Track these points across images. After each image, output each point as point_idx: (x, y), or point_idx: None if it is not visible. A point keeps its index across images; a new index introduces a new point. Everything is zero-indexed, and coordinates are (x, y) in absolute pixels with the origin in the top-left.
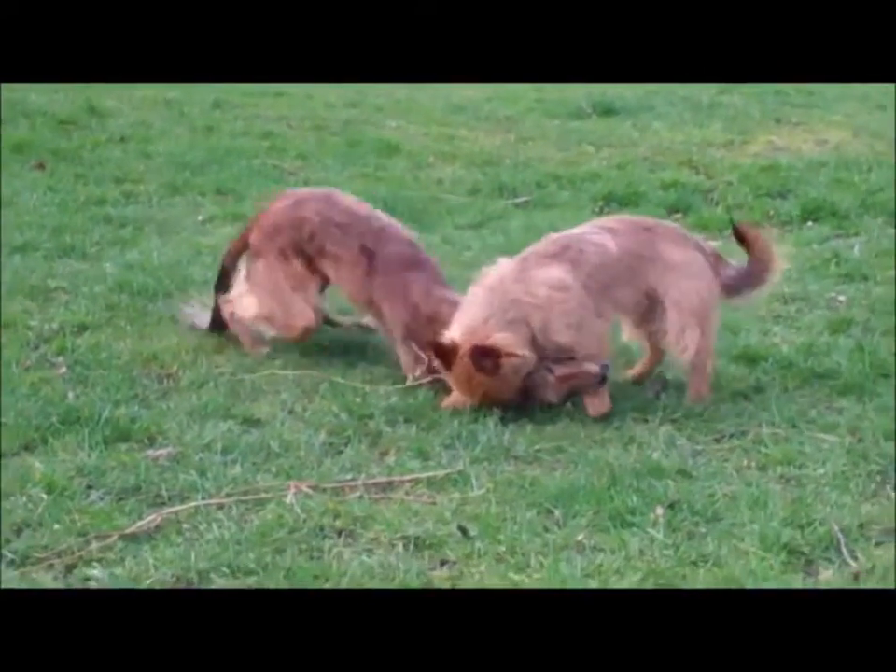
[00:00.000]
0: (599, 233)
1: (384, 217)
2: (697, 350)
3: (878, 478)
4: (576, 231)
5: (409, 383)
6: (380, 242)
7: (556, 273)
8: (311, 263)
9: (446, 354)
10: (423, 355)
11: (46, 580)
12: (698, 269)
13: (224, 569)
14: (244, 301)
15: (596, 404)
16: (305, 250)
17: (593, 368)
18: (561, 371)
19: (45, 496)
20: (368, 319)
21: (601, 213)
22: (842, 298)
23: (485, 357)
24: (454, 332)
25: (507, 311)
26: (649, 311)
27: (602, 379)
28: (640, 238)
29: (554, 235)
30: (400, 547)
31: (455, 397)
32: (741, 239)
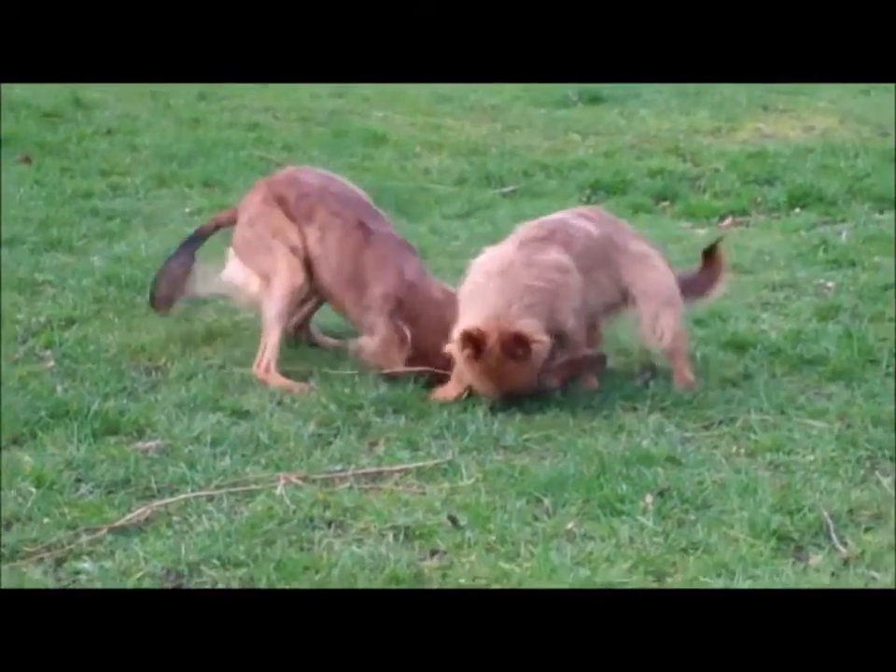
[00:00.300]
0: (578, 219)
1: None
2: (674, 335)
3: (868, 464)
4: (554, 216)
5: (398, 369)
6: (376, 221)
7: (556, 255)
8: (294, 221)
9: (475, 342)
10: (407, 332)
11: (36, 574)
12: (660, 260)
13: (214, 561)
14: (228, 269)
15: (591, 381)
16: (291, 210)
17: (594, 353)
18: (564, 356)
19: (34, 489)
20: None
21: (588, 201)
22: (830, 284)
23: (518, 344)
24: (473, 321)
25: (523, 297)
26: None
27: (603, 362)
28: (611, 226)
29: (534, 221)
30: (391, 537)
31: (445, 390)
32: (709, 256)
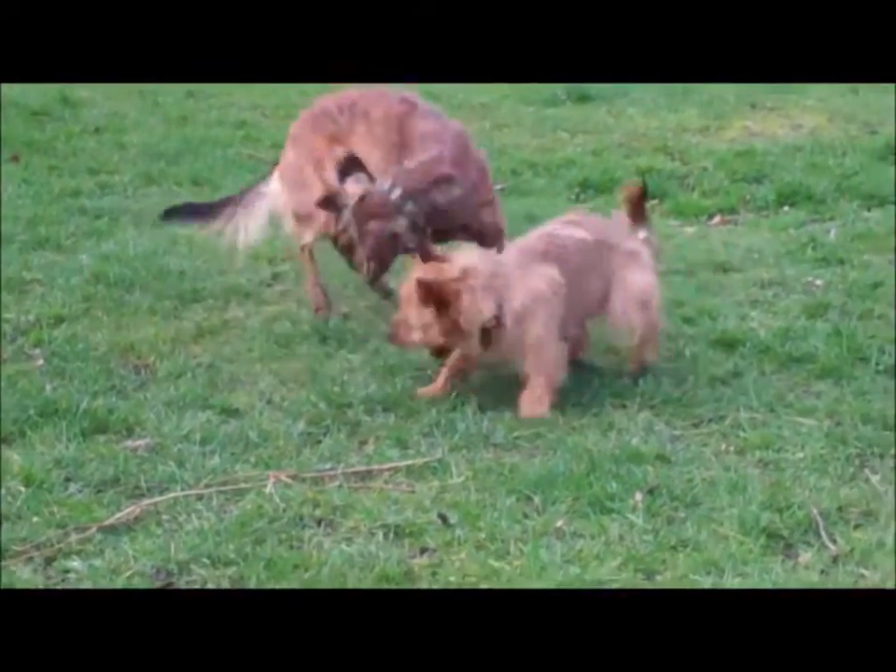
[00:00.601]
0: (569, 228)
1: None
2: (647, 324)
3: (857, 461)
4: (549, 228)
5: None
6: (417, 99)
7: (551, 271)
8: (336, 139)
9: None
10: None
11: (25, 572)
12: (648, 258)
13: (204, 560)
14: (270, 187)
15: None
16: (336, 118)
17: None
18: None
19: (23, 488)
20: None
21: (577, 200)
22: (819, 282)
23: (441, 293)
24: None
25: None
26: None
27: None
28: (602, 226)
29: (535, 232)
30: (380, 535)
31: (432, 387)
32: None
